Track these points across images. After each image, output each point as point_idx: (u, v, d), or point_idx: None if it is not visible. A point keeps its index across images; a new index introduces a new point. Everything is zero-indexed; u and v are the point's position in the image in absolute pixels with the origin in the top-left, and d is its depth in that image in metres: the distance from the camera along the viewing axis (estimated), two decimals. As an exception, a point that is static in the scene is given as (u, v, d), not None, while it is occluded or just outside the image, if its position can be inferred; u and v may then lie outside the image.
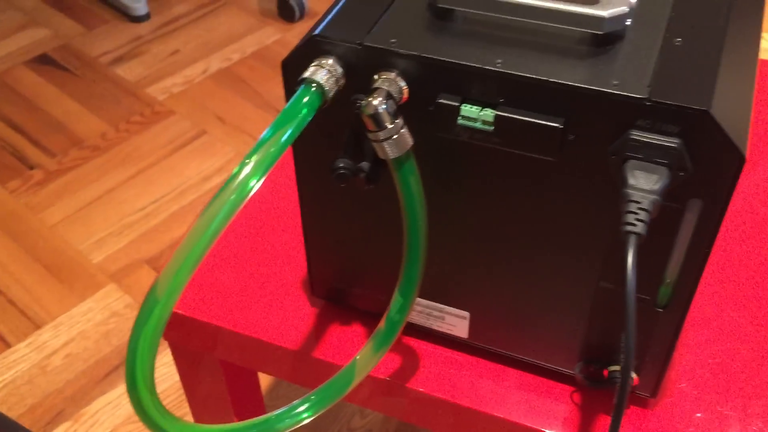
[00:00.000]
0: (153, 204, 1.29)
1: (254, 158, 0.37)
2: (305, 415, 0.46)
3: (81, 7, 1.77)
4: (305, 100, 0.39)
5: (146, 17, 1.72)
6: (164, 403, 1.02)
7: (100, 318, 1.12)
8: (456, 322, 0.52)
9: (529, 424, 0.49)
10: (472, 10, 0.40)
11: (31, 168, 1.36)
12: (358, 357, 0.48)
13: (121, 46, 1.65)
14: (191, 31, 1.69)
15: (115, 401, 1.02)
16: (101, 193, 1.31)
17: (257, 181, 0.37)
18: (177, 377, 1.04)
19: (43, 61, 1.61)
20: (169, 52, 1.63)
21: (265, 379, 1.03)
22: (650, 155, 0.37)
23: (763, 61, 0.78)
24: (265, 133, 0.38)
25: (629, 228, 0.35)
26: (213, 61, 1.60)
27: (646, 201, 0.35)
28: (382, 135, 0.39)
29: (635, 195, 0.36)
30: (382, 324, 0.47)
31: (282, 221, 0.63)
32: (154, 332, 0.36)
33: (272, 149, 0.37)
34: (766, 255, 0.59)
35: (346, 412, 1.00)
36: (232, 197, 0.36)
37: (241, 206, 0.37)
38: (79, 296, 1.15)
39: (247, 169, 0.37)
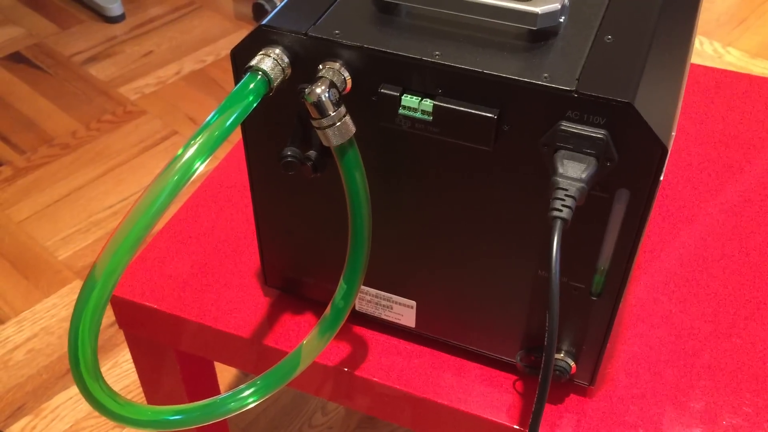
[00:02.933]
0: (121, 202, 1.30)
1: (198, 140, 0.38)
2: (251, 399, 0.47)
3: (56, 7, 1.77)
4: (251, 86, 0.40)
5: (121, 18, 1.73)
6: (130, 395, 1.02)
7: (64, 314, 1.12)
8: (403, 311, 0.53)
9: (473, 412, 0.51)
10: (414, 5, 0.42)
11: (0, 165, 1.36)
12: (304, 343, 0.49)
13: (94, 45, 1.65)
14: (166, 33, 1.70)
15: (77, 396, 1.02)
16: (70, 190, 1.32)
17: (201, 162, 0.38)
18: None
19: (16, 59, 1.61)
20: (142, 53, 1.63)
21: (230, 371, 1.04)
22: (579, 145, 0.38)
23: (748, 75, 0.81)
24: (210, 116, 0.39)
25: (555, 213, 0.37)
26: (186, 63, 1.61)
27: (573, 188, 0.37)
28: (325, 122, 0.40)
29: (563, 183, 0.37)
30: (327, 310, 0.48)
31: (239, 210, 0.64)
32: (94, 313, 0.37)
33: (216, 132, 0.38)
34: (707, 249, 0.61)
35: (308, 409, 1.01)
36: (175, 178, 0.37)
37: (184, 187, 0.38)
38: (44, 292, 1.15)
39: (191, 151, 0.38)
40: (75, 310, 0.37)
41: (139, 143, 1.41)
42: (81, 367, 0.39)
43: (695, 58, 1.62)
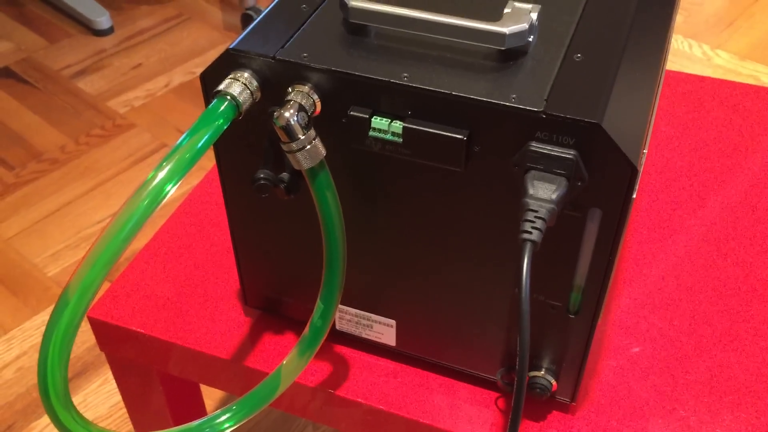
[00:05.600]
0: (111, 217, 1.29)
1: (169, 163, 0.38)
2: (227, 425, 0.46)
3: (44, 21, 1.77)
4: (220, 110, 0.40)
5: (110, 31, 1.72)
6: (120, 413, 1.01)
7: (53, 331, 1.11)
8: (384, 330, 0.53)
9: (455, 431, 0.51)
10: (383, 26, 0.42)
11: (-11, 181, 1.36)
12: (284, 363, 0.49)
13: (83, 59, 1.65)
14: (155, 45, 1.69)
15: (67, 415, 1.01)
16: (59, 206, 1.31)
17: (173, 185, 0.38)
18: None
19: (4, 75, 1.61)
20: (131, 66, 1.63)
21: (219, 391, 1.03)
22: (549, 166, 0.38)
23: (744, 84, 0.80)
24: (180, 139, 0.39)
25: (525, 236, 0.36)
26: (175, 75, 1.61)
27: (543, 210, 0.37)
28: (295, 146, 0.40)
29: (533, 204, 0.37)
30: (306, 330, 0.48)
31: (219, 231, 0.64)
32: (65, 335, 0.37)
33: (187, 155, 0.38)
34: (691, 262, 0.61)
35: (300, 422, 1.00)
36: (146, 201, 0.37)
37: (155, 210, 0.38)
38: (33, 309, 1.14)
39: (161, 174, 0.38)
40: (45, 332, 0.37)
41: (129, 157, 1.41)
42: (50, 393, 0.38)
43: (684, 62, 1.62)
